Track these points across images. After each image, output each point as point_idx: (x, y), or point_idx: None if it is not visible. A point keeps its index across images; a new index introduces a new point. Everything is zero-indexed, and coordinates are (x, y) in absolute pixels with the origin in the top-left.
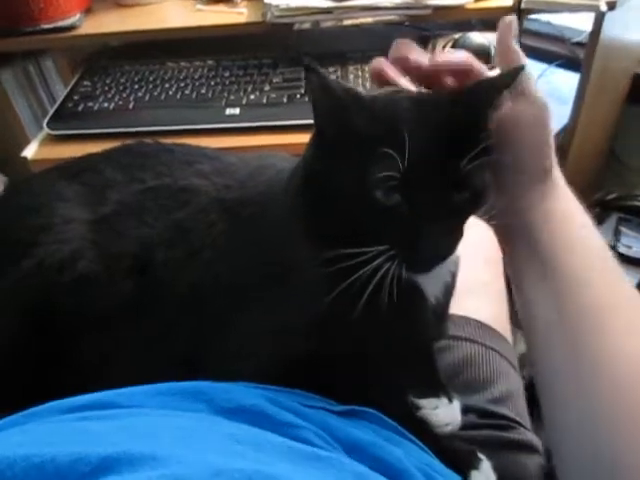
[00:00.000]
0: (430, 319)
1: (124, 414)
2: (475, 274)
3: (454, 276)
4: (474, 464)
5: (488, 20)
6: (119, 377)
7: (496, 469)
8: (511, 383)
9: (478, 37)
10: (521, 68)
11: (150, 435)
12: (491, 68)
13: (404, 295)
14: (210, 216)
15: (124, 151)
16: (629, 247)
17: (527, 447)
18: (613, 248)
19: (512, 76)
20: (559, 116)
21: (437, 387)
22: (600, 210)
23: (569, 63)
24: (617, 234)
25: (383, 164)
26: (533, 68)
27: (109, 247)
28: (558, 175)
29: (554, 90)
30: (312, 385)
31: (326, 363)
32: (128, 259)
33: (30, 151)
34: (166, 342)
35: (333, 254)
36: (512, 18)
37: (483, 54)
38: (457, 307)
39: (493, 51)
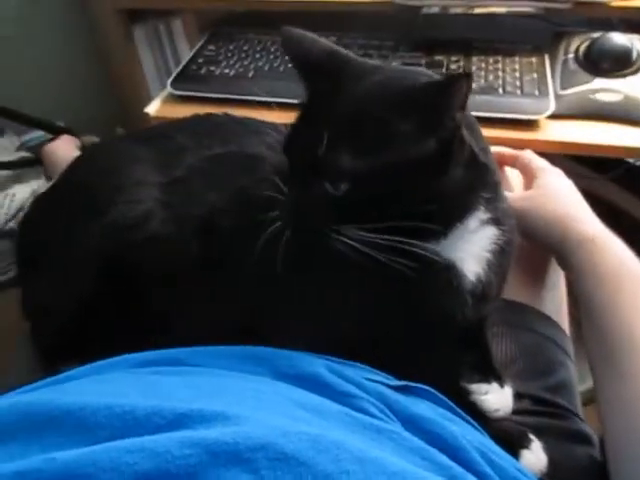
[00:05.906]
0: (466, 298)
1: (192, 372)
2: (536, 265)
3: (506, 257)
4: (525, 443)
5: (630, 20)
6: (182, 333)
7: (547, 454)
8: (567, 374)
9: (620, 38)
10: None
11: (220, 394)
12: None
13: (439, 273)
14: (274, 188)
15: (195, 121)
16: None
17: (580, 437)
18: None
19: None
20: None
21: (488, 372)
22: None
23: None
24: None
25: None
26: None
27: (178, 209)
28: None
29: None
30: (366, 360)
31: (375, 343)
32: (196, 221)
33: (152, 108)
34: (228, 306)
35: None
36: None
37: (624, 57)
38: (517, 295)
39: (635, 54)
